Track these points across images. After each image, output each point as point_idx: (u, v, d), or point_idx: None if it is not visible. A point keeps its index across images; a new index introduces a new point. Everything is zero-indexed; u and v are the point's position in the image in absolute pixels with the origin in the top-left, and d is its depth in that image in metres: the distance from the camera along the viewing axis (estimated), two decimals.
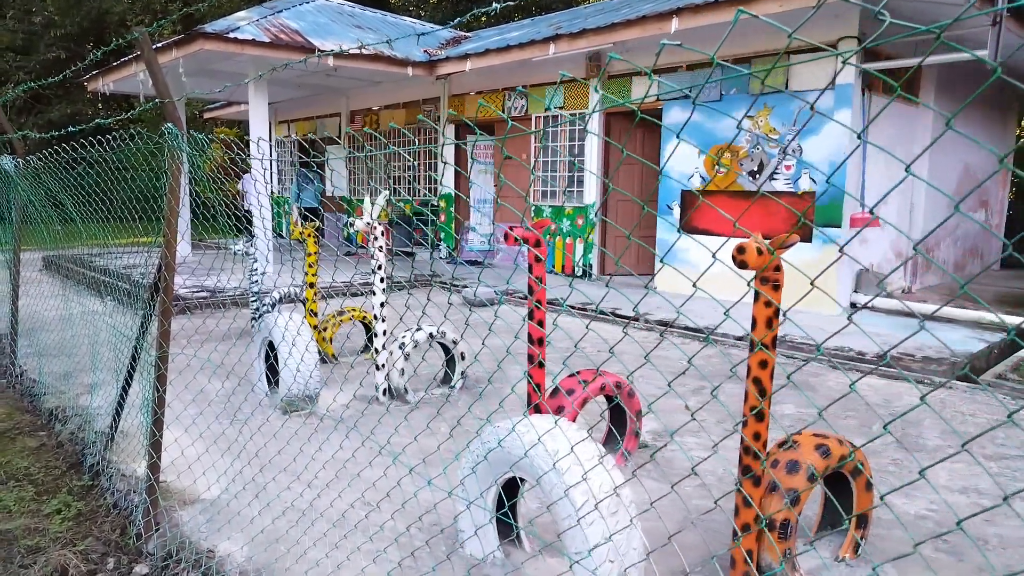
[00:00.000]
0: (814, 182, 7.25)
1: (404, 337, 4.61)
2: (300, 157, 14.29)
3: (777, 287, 2.33)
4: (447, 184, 11.53)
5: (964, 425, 4.21)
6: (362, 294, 9.02)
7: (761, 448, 2.38)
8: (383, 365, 4.54)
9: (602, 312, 7.21)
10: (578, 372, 3.55)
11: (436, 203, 11.91)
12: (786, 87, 7.34)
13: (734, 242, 2.22)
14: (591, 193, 9.45)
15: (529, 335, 3.28)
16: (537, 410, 3.31)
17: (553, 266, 10.06)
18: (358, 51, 9.14)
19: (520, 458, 2.37)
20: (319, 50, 8.76)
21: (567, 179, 9.78)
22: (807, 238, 7.30)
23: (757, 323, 2.37)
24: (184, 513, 2.99)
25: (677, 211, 8.50)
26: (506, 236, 3.16)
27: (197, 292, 7.95)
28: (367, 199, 4.42)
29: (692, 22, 7.01)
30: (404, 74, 9.95)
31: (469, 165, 11.19)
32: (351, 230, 4.29)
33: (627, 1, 9.99)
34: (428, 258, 11.77)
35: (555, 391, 3.45)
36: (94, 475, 3.45)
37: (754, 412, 2.36)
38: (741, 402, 4.43)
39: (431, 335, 4.68)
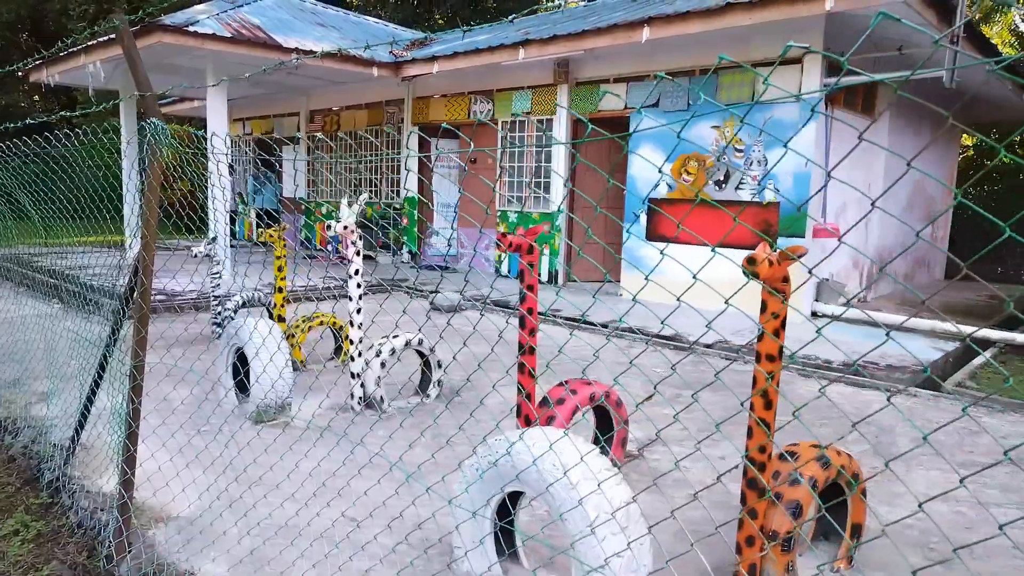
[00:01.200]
0: (778, 192, 7.40)
1: (380, 344, 4.48)
2: (259, 155, 13.90)
3: (784, 298, 2.33)
4: (410, 188, 11.38)
5: (935, 433, 4.31)
6: (325, 298, 8.81)
7: (767, 460, 2.37)
8: (359, 373, 4.40)
9: (582, 321, 7.19)
10: (566, 381, 3.50)
11: (399, 206, 11.74)
12: (752, 98, 7.47)
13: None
14: (557, 200, 9.45)
15: (520, 344, 3.21)
16: (527, 420, 3.24)
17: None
18: (336, 52, 8.94)
19: (525, 470, 2.30)
20: (283, 47, 8.52)
21: (531, 186, 9.76)
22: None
23: (764, 334, 2.36)
24: (158, 532, 2.82)
25: (644, 219, 8.56)
26: (499, 242, 3.09)
27: (154, 295, 7.61)
28: (344, 201, 4.29)
29: (663, 32, 7.08)
30: (369, 74, 9.78)
31: (432, 171, 11.07)
32: (328, 233, 4.14)
33: (594, 9, 10.05)
34: (391, 262, 11.58)
35: (544, 401, 3.39)
36: (53, 492, 3.23)
37: (760, 423, 2.35)
38: (722, 411, 4.47)
39: (408, 342, 4.57)
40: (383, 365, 4.43)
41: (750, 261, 2.27)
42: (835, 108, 7.48)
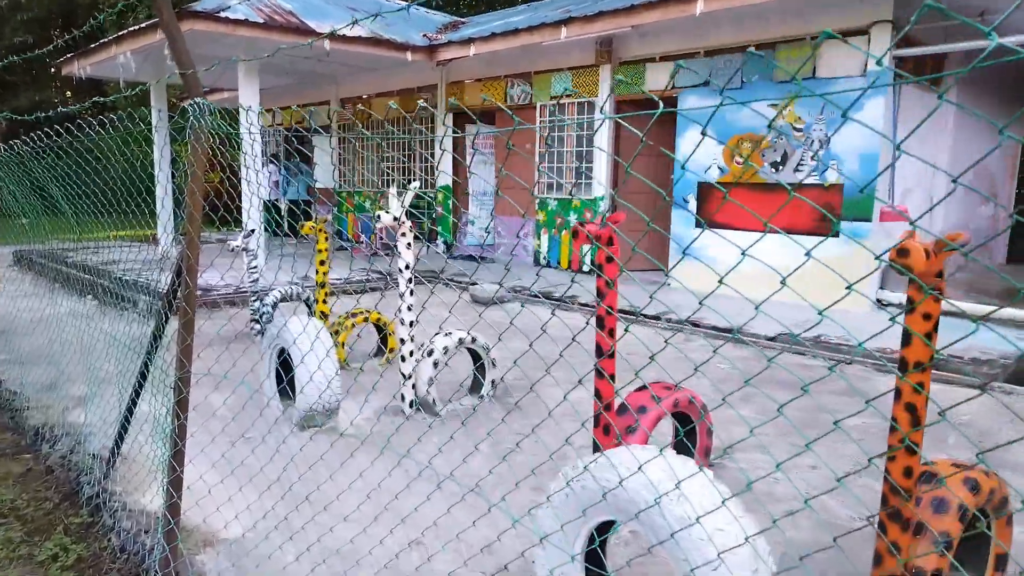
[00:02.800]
0: (842, 175, 6.94)
1: (433, 343, 4.18)
2: (292, 144, 13.69)
3: (940, 296, 1.96)
4: (445, 175, 11.07)
5: None
6: (361, 292, 8.56)
7: (913, 487, 2.01)
8: (410, 374, 4.11)
9: (637, 313, 6.83)
10: (647, 385, 3.17)
11: (433, 195, 11.44)
12: (813, 75, 7.00)
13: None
14: (600, 185, 9.06)
15: (598, 346, 2.88)
16: (605, 430, 2.92)
17: (559, 261, 9.67)
18: (359, 34, 8.64)
19: (628, 495, 1.97)
20: (316, 32, 8.24)
21: (574, 171, 9.38)
22: (835, 233, 6.99)
23: (912, 339, 2.00)
24: (206, 558, 2.56)
25: (694, 204, 8.14)
26: (575, 232, 2.76)
27: None
28: (391, 190, 3.98)
29: (718, 4, 6.63)
30: (403, 59, 9.46)
31: (469, 157, 10.74)
32: (375, 224, 3.85)
33: None
34: (426, 252, 11.31)
35: (623, 408, 3.06)
36: (93, 509, 2.99)
37: (905, 444, 1.99)
38: (798, 412, 4.05)
39: (461, 340, 4.27)
40: (435, 365, 4.14)
41: (901, 252, 1.91)
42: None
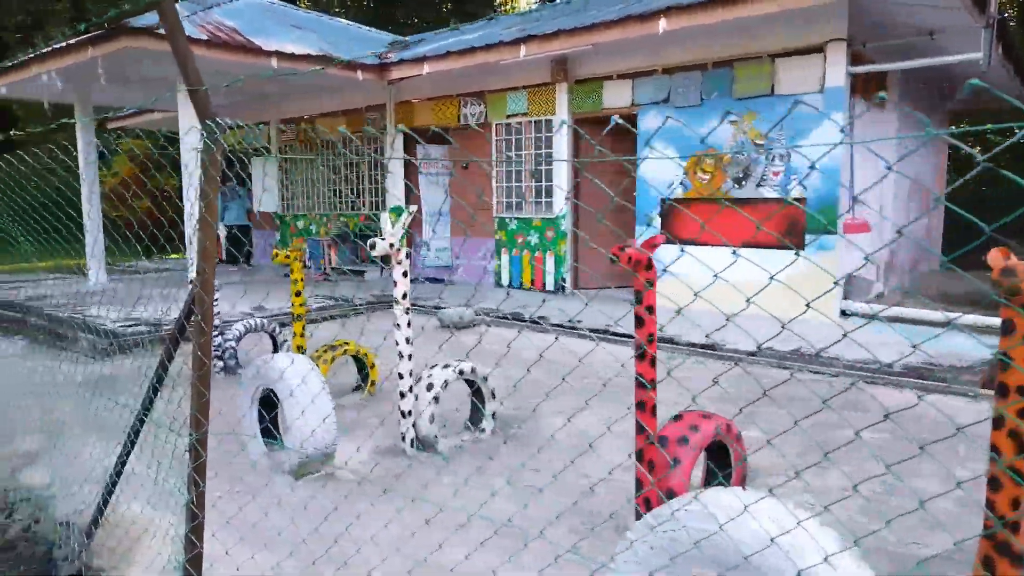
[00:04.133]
0: (804, 188, 7.07)
1: (431, 376, 3.93)
2: (231, 167, 13.08)
3: None
4: (396, 196, 10.76)
5: None
6: (319, 319, 8.14)
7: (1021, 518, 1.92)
8: (410, 411, 3.84)
9: (611, 333, 6.72)
10: (681, 415, 3.02)
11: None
12: (771, 92, 7.14)
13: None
14: (561, 203, 8.98)
15: (638, 377, 2.71)
16: (651, 467, 2.75)
17: (521, 281, 9.51)
18: (307, 52, 8.31)
19: (730, 543, 1.80)
20: (262, 50, 7.85)
21: (533, 189, 9.28)
22: (800, 246, 7.11)
23: (1013, 365, 1.91)
24: None
25: (658, 221, 8.16)
26: (615, 257, 2.59)
27: (131, 326, 6.87)
28: (383, 215, 3.73)
29: (681, 23, 6.68)
30: (354, 78, 9.15)
31: (419, 177, 10.48)
32: (371, 252, 3.59)
33: (584, 5, 9.60)
34: (378, 277, 10.94)
35: (663, 440, 2.90)
36: None
37: (1012, 473, 1.90)
38: (816, 429, 3.95)
39: (461, 371, 4.03)
40: (436, 400, 3.88)
41: (1006, 272, 1.82)
42: (858, 97, 7.19)
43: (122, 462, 2.52)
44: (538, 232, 9.23)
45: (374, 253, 3.58)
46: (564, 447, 3.96)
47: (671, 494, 2.80)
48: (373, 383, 5.07)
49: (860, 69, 6.74)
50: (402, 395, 3.82)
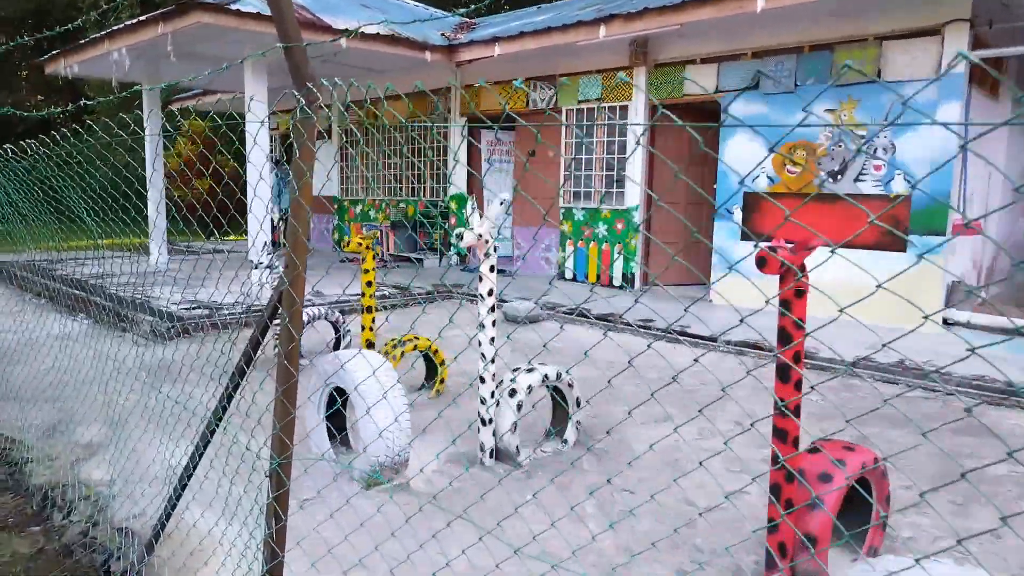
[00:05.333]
0: (910, 184, 6.46)
1: (515, 382, 3.57)
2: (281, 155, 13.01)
3: None
4: (458, 183, 10.45)
5: None
6: (379, 309, 7.89)
7: None
8: (490, 419, 3.50)
9: (681, 332, 6.28)
10: (819, 446, 2.59)
11: (445, 204, 10.82)
12: (878, 76, 6.52)
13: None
14: (633, 194, 8.51)
15: (780, 402, 2.30)
16: (788, 505, 2.33)
17: (586, 276, 9.09)
18: (377, 31, 8.02)
19: None
20: (332, 28, 7.60)
21: (604, 179, 8.83)
22: (901, 247, 6.50)
23: None
24: None
25: (739, 215, 7.63)
26: (763, 260, 2.17)
27: (192, 309, 6.72)
28: (469, 204, 3.38)
29: (784, 1, 6.12)
30: (422, 59, 8.84)
31: (483, 164, 10.14)
32: (458, 244, 3.24)
33: None
34: (438, 265, 10.67)
35: (800, 474, 2.48)
36: None
37: None
38: (927, 457, 3.40)
39: (546, 376, 3.66)
40: (519, 408, 3.53)
41: None
42: (974, 88, 6.52)
43: (190, 470, 2.23)
44: (607, 224, 8.79)
45: (462, 244, 3.23)
46: (656, 464, 3.57)
47: (812, 540, 2.39)
48: (442, 381, 4.75)
49: (984, 53, 6.07)
50: (483, 401, 3.47)
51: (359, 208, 12.39)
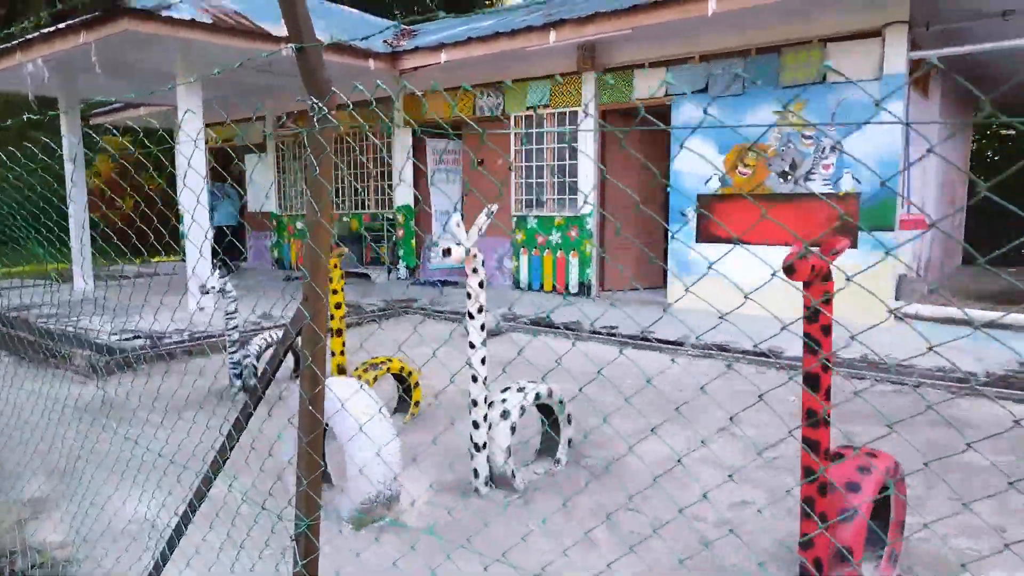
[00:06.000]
0: (858, 182, 6.63)
1: (506, 403, 3.40)
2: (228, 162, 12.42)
3: None
4: (404, 195, 10.19)
5: None
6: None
7: None
8: (484, 444, 3.32)
9: (646, 338, 6.23)
10: (839, 453, 2.53)
11: (391, 217, 10.53)
12: (823, 79, 6.68)
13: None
14: (588, 203, 8.47)
15: (809, 412, 2.21)
16: (823, 518, 2.26)
17: (541, 283, 8.99)
18: (333, 42, 7.70)
19: None
20: (270, 35, 7.25)
21: (555, 186, 8.76)
22: (853, 243, 6.66)
23: None
24: None
25: (693, 218, 7.68)
26: (792, 268, 2.08)
27: (132, 339, 6.25)
28: (453, 216, 3.20)
29: (733, 4, 6.19)
30: (365, 67, 8.56)
31: (428, 172, 9.91)
32: (438, 261, 3.05)
33: None
34: (386, 279, 10.36)
35: (829, 486, 2.40)
36: None
37: None
38: (934, 453, 3.41)
39: (538, 395, 3.51)
40: (512, 431, 3.36)
41: None
42: (911, 88, 6.77)
43: (178, 532, 1.97)
44: (561, 231, 8.72)
45: (450, 260, 3.04)
46: (652, 479, 3.46)
47: (847, 552, 2.32)
48: (417, 404, 4.53)
49: (922, 54, 6.30)
50: (476, 425, 3.29)
51: (299, 224, 11.94)
